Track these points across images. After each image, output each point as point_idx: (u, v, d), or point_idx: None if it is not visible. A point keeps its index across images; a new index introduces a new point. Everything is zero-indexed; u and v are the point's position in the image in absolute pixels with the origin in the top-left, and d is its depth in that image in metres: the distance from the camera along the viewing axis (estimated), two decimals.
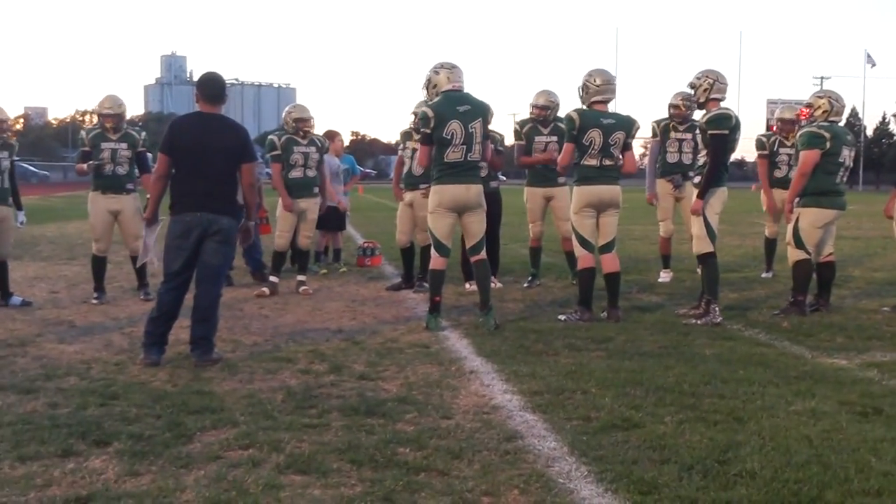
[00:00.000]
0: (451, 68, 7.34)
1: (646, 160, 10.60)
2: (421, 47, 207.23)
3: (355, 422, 4.54)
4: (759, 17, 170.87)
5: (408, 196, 9.38)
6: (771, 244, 10.55)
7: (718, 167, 7.44)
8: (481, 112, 7.23)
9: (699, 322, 7.31)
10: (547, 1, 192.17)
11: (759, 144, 10.44)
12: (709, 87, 7.53)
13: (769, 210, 10.26)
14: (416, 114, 9.51)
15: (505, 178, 10.44)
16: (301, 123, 9.29)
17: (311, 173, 9.33)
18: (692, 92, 7.73)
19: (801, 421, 4.56)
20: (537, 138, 9.39)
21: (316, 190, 9.42)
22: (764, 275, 10.48)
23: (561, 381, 5.34)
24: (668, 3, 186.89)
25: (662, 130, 9.91)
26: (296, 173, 9.23)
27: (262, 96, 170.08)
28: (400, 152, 9.74)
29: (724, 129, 7.40)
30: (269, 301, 8.72)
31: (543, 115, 9.36)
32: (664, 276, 10.21)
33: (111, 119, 8.62)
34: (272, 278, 9.25)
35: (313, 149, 9.33)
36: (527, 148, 9.49)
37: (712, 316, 7.34)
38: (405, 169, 9.44)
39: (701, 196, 7.45)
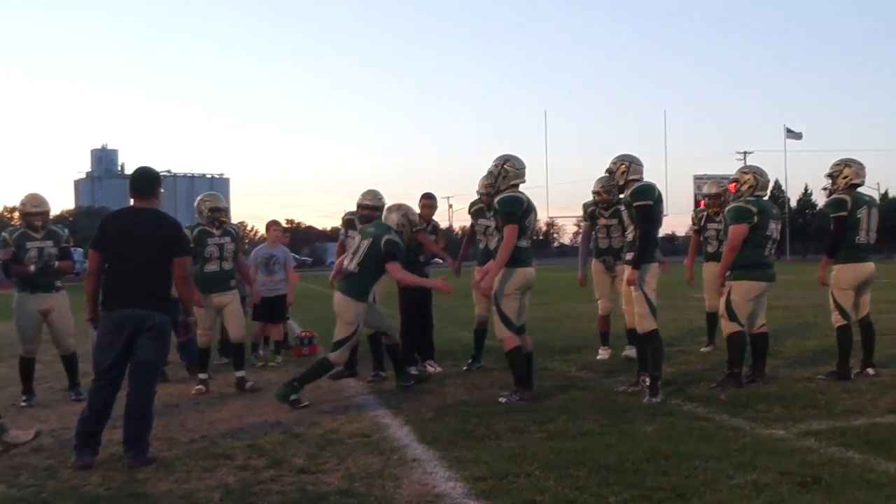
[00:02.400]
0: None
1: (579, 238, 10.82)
2: (353, 134, 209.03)
3: None
4: (682, 96, 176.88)
5: None
6: (711, 318, 10.61)
7: (649, 237, 7.58)
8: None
9: (656, 400, 7.29)
10: (475, 88, 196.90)
11: (692, 220, 10.83)
12: (626, 170, 7.80)
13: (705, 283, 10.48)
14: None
15: (442, 261, 10.51)
16: (216, 213, 9.04)
17: (228, 266, 9.01)
18: (609, 176, 7.99)
19: (744, 494, 4.58)
20: (480, 220, 9.56)
21: (233, 283, 9.06)
22: (704, 349, 10.58)
23: (504, 465, 5.30)
24: (594, 85, 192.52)
25: (590, 215, 10.08)
26: (211, 267, 8.85)
27: (195, 187, 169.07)
28: (341, 238, 9.60)
29: (648, 200, 7.58)
30: (205, 396, 8.54)
31: (487, 201, 9.42)
32: (602, 354, 10.25)
33: (39, 217, 8.45)
34: (201, 375, 8.97)
35: (228, 239, 9.02)
36: (471, 230, 9.68)
37: (662, 395, 7.37)
38: None
39: (636, 266, 7.56)
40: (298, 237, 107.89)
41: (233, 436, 6.54)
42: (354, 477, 5.22)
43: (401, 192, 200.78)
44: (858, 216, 8.20)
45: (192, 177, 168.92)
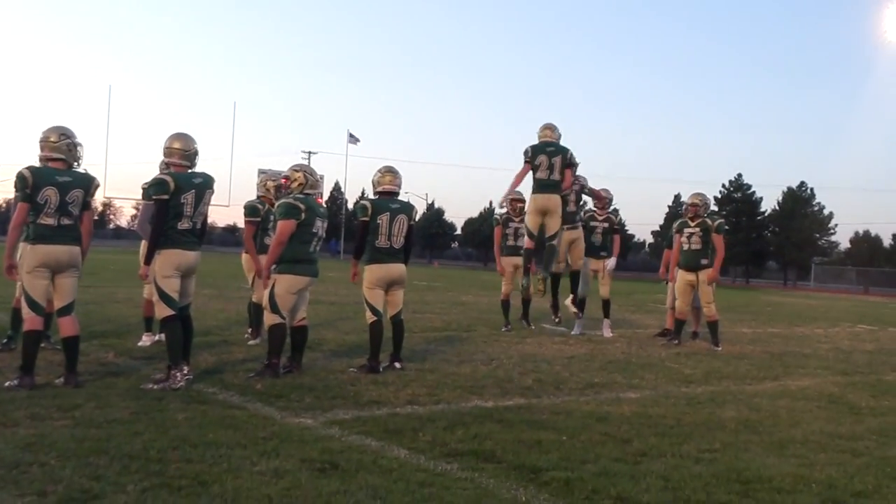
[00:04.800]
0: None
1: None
2: None
3: None
4: (254, 90, 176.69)
5: None
6: (257, 308, 10.67)
7: (157, 231, 7.47)
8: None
9: (156, 387, 7.20)
10: (30, 51, 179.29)
11: (251, 211, 10.85)
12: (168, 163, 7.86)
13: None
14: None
15: None
16: None
17: None
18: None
19: (264, 481, 4.71)
20: None
21: None
22: (252, 341, 10.62)
23: (18, 455, 4.95)
24: (165, 67, 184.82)
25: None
26: None
27: None
28: None
29: (162, 195, 7.49)
30: None
31: None
32: (145, 340, 9.99)
33: None
34: None
35: None
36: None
37: (171, 381, 7.29)
38: None
39: (146, 262, 7.57)
40: None
41: None
42: None
43: None
44: (378, 221, 8.86)
45: None
